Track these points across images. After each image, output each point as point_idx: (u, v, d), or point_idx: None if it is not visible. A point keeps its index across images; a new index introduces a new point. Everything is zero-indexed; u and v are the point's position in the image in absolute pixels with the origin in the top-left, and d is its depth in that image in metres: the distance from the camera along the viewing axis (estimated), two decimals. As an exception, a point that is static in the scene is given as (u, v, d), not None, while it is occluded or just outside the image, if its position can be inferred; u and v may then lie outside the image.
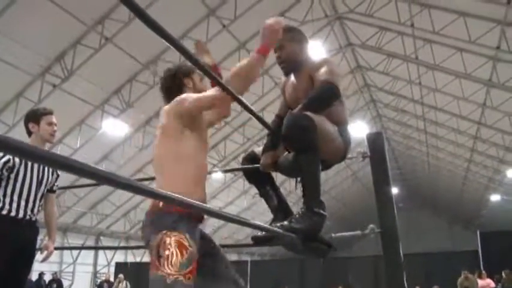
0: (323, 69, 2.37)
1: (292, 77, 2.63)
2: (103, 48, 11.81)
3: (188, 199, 1.33)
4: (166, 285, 1.84)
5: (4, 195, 2.91)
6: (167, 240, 1.90)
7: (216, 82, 1.86)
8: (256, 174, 2.56)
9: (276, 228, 2.12)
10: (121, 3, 1.10)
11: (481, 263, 12.38)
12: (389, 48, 14.59)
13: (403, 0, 12.06)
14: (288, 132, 2.15)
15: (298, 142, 2.15)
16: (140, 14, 1.13)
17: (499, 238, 12.76)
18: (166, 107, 2.14)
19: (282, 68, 2.63)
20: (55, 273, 16.04)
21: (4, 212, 2.89)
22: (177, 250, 1.89)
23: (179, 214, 1.94)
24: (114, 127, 14.37)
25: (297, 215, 2.19)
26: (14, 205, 2.93)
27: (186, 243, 1.90)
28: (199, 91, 2.18)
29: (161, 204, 1.96)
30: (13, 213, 2.92)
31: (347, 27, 14.81)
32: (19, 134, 11.13)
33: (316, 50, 12.58)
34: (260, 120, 1.96)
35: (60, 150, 14.09)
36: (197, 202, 1.42)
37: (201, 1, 12.01)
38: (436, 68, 14.23)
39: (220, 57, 14.13)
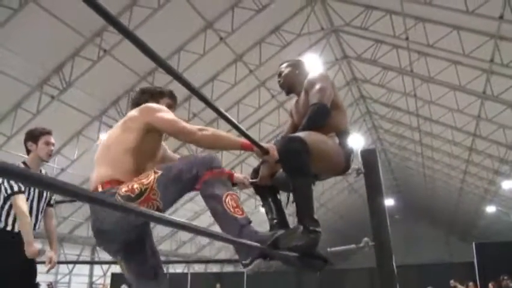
0: (313, 90, 2.51)
1: (296, 99, 2.88)
2: (101, 60, 11.88)
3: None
4: (164, 174, 1.99)
5: (8, 215, 3.02)
6: (123, 190, 1.97)
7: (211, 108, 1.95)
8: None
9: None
10: (110, 25, 1.13)
11: (477, 274, 12.39)
12: (385, 61, 14.76)
13: (398, 13, 12.23)
14: (281, 156, 2.24)
15: (291, 165, 2.24)
16: (128, 35, 1.15)
17: (495, 249, 12.77)
18: (137, 108, 2.26)
19: (282, 89, 2.94)
20: (51, 283, 15.94)
21: (9, 228, 3.00)
22: (134, 181, 2.00)
23: (115, 183, 2.03)
24: (111, 138, 14.38)
25: None
26: (18, 221, 3.03)
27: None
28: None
29: (100, 188, 2.04)
30: (16, 229, 3.03)
31: (342, 40, 14.97)
32: (17, 145, 11.17)
33: (312, 62, 12.72)
34: (249, 138, 2.03)
35: (57, 161, 14.11)
36: (173, 218, 1.45)
37: (199, 14, 12.14)
38: (431, 81, 14.39)
39: (217, 69, 14.27)
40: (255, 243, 1.85)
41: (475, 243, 13.06)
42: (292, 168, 2.24)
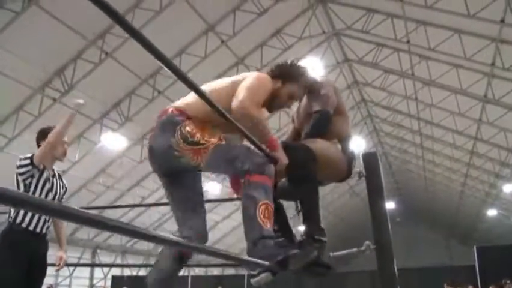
0: (317, 97, 2.52)
1: (298, 104, 2.85)
2: (103, 63, 11.92)
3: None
4: (224, 147, 2.04)
5: (26, 211, 3.02)
6: (187, 128, 2.05)
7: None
8: None
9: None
10: (117, 24, 1.12)
11: (478, 278, 12.36)
12: (386, 64, 14.76)
13: (399, 17, 12.25)
14: (288, 165, 2.18)
15: (297, 175, 2.24)
16: (135, 34, 1.14)
17: (496, 253, 12.74)
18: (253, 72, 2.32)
19: None
20: (51, 286, 15.94)
21: (24, 225, 3.01)
22: (199, 129, 2.07)
23: (185, 116, 2.11)
24: (113, 141, 14.40)
25: (299, 243, 2.27)
26: (34, 220, 3.04)
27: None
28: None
29: (170, 111, 2.14)
30: (31, 227, 3.04)
31: (344, 43, 14.98)
32: (18, 146, 11.19)
33: (313, 65, 12.70)
34: (255, 144, 2.03)
35: (58, 163, 14.09)
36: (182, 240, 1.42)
37: (200, 17, 12.17)
38: (432, 84, 14.39)
39: (218, 72, 14.26)
40: (261, 261, 1.81)
41: (476, 247, 13.03)
42: (300, 177, 2.25)
